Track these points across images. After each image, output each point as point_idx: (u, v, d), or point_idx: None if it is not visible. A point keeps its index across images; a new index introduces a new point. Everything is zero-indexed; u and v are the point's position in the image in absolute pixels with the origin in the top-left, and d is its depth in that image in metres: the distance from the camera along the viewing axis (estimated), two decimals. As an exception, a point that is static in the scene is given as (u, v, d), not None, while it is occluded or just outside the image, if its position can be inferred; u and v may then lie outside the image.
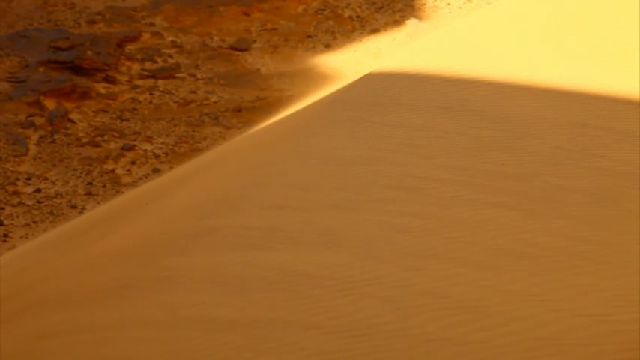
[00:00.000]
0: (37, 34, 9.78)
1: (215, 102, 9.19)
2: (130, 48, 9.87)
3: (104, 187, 7.94)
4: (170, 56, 9.85)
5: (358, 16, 10.52)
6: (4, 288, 3.50)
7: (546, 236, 2.63)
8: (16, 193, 7.76)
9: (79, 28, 10.10)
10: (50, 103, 8.85)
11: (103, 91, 9.22)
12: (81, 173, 8.08)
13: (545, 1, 4.63)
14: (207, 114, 8.99)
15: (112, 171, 8.17)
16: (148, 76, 9.54)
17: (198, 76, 9.60)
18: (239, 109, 9.06)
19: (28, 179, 7.95)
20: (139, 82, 9.44)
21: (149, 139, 8.60)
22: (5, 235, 7.23)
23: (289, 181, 3.15)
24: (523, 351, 2.13)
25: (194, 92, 9.35)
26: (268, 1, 10.63)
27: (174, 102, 9.19)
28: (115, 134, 8.62)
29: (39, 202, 7.69)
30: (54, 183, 7.94)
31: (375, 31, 10.30)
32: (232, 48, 10.09)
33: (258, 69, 9.76)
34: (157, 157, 8.38)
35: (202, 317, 2.37)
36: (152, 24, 10.31)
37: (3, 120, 8.59)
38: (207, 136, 8.65)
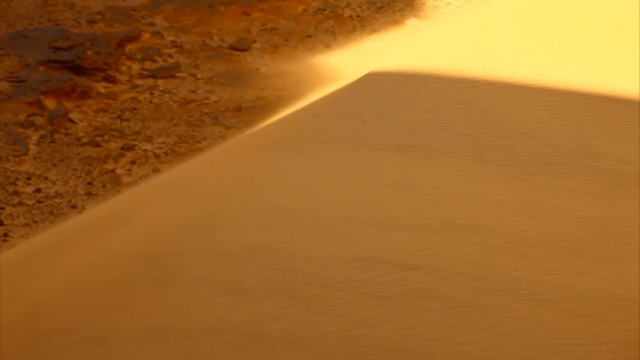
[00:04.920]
0: (37, 33, 9.78)
1: (215, 102, 9.19)
2: (130, 48, 9.87)
3: (104, 186, 7.93)
4: (170, 56, 9.85)
5: (358, 16, 10.52)
6: (4, 288, 3.50)
7: (546, 236, 2.63)
8: (16, 193, 7.76)
9: (79, 28, 10.10)
10: (50, 103, 8.85)
11: (103, 90, 9.21)
12: (81, 173, 8.08)
13: (545, 2, 4.63)
14: (207, 114, 8.99)
15: (112, 171, 8.16)
16: (147, 76, 9.53)
17: (198, 75, 9.59)
18: (239, 109, 9.05)
19: (28, 179, 7.95)
20: (139, 82, 9.44)
21: (149, 139, 8.60)
22: (5, 235, 7.22)
23: (289, 180, 3.15)
24: (523, 351, 2.13)
25: (194, 92, 9.35)
26: (268, 1, 10.63)
27: (174, 102, 9.19)
28: (115, 134, 8.62)
29: (39, 201, 7.68)
30: (54, 183, 7.93)
31: (375, 30, 10.30)
32: (232, 48, 10.09)
33: (258, 69, 9.76)
34: (157, 156, 8.38)
35: (202, 317, 2.37)
36: (152, 24, 10.31)
37: (3, 120, 8.59)
38: (207, 136, 8.65)
